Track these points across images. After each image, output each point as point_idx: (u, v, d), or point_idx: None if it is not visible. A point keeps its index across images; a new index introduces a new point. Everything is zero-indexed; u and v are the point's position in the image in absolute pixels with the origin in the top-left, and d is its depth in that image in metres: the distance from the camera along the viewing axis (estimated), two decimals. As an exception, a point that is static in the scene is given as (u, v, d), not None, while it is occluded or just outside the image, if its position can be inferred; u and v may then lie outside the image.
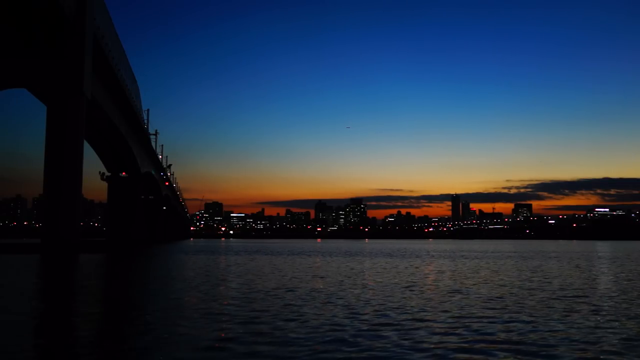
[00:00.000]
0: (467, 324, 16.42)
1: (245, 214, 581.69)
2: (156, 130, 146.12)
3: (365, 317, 17.73)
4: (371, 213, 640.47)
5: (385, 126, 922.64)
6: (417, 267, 46.34)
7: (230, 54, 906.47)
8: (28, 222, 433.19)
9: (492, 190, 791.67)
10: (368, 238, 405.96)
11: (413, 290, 26.13)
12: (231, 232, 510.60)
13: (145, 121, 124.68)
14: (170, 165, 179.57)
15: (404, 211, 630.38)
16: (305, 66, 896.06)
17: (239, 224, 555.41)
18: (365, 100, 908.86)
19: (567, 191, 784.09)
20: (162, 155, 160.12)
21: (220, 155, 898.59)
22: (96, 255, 64.68)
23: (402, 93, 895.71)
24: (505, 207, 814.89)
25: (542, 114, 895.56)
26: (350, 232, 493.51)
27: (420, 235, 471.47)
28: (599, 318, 17.79)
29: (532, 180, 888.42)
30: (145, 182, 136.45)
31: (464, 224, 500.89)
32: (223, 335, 14.42)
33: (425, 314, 18.47)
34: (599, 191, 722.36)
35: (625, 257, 68.47)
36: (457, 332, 15.16)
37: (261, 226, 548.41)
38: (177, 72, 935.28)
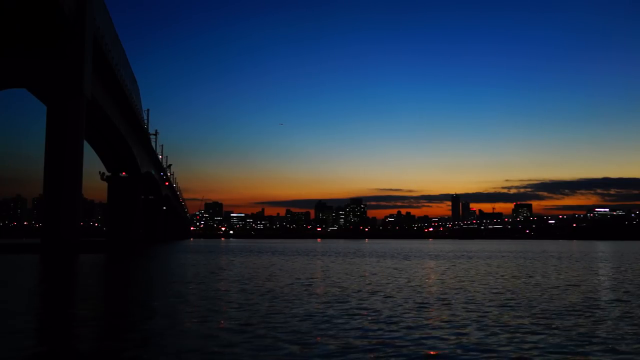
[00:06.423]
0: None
1: (245, 214, 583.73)
2: (156, 130, 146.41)
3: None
4: (371, 213, 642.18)
5: (385, 126, 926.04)
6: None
7: (231, 55, 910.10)
8: (28, 222, 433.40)
9: (492, 190, 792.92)
10: (368, 238, 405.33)
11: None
12: (231, 232, 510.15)
13: (145, 121, 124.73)
14: (170, 165, 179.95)
15: (403, 211, 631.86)
16: (306, 67, 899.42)
17: (239, 224, 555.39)
18: (365, 101, 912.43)
19: (567, 191, 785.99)
20: (162, 155, 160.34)
21: (220, 155, 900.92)
22: (96, 255, 64.57)
23: (402, 94, 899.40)
24: (505, 207, 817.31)
25: (542, 114, 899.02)
26: (351, 232, 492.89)
27: (420, 235, 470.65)
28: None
29: (532, 180, 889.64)
30: (145, 182, 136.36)
31: (464, 224, 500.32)
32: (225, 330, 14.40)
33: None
34: (599, 191, 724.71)
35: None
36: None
37: (261, 226, 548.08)
38: (178, 73, 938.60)
